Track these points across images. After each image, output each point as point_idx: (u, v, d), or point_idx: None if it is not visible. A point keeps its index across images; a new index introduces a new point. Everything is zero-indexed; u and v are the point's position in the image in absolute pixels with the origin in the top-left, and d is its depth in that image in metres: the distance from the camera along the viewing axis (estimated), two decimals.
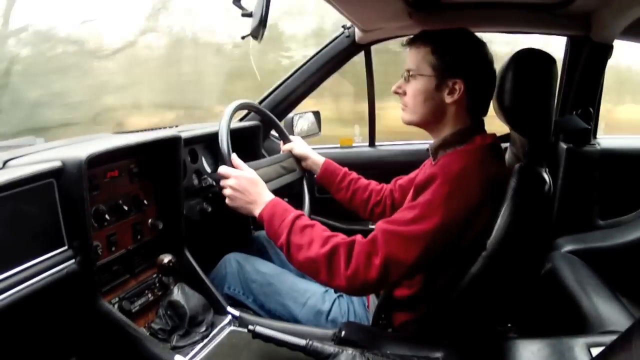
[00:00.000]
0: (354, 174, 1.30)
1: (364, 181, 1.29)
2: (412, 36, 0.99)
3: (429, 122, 0.98)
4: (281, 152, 1.33)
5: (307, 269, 0.90)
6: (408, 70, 0.97)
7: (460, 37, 0.96)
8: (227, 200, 1.01)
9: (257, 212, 0.97)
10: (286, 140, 1.34)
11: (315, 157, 1.30)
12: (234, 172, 1.01)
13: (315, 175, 1.30)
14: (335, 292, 1.16)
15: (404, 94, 0.98)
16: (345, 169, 1.30)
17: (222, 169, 1.02)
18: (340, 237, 0.90)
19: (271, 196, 0.99)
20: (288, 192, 1.57)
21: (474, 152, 0.91)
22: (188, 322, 1.03)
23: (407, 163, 1.30)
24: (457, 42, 0.95)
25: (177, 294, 1.04)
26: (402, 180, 1.25)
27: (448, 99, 0.94)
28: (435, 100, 0.95)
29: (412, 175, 1.23)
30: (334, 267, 0.86)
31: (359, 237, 0.89)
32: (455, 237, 0.87)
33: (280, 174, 1.22)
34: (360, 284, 0.85)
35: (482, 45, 0.96)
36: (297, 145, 1.31)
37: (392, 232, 0.86)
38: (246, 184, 0.99)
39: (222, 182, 1.02)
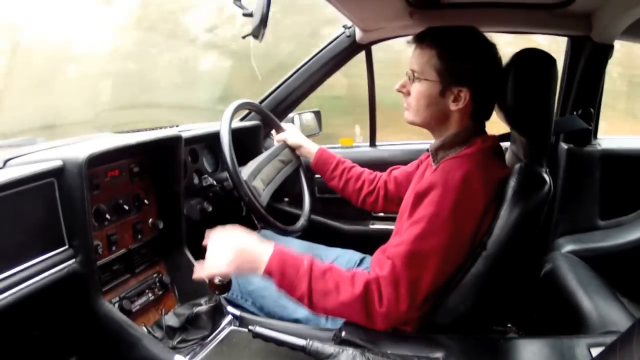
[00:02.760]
0: (348, 162, 1.31)
1: (357, 170, 1.30)
2: (417, 33, 0.95)
3: (431, 125, 0.97)
4: (275, 142, 1.34)
5: (340, 313, 0.87)
6: (412, 71, 0.94)
7: (468, 39, 0.92)
8: (226, 267, 0.85)
9: (262, 267, 0.85)
10: (279, 130, 1.34)
11: (309, 146, 1.31)
12: (222, 236, 0.89)
13: (310, 164, 1.31)
14: None
15: (408, 93, 0.96)
16: (339, 157, 1.31)
17: (211, 242, 0.88)
18: (364, 274, 0.86)
19: (270, 246, 0.88)
20: (288, 192, 1.57)
21: (475, 156, 0.90)
22: (192, 324, 1.03)
23: (407, 163, 1.29)
24: (464, 46, 0.91)
25: (206, 309, 1.03)
26: (398, 172, 1.25)
27: (453, 107, 0.92)
28: (439, 105, 0.93)
29: (409, 168, 1.22)
30: (370, 307, 0.84)
31: (376, 269, 0.87)
32: (468, 241, 0.87)
33: (279, 168, 1.23)
34: (395, 317, 0.85)
35: (490, 48, 0.92)
36: (291, 134, 1.32)
37: (407, 254, 0.84)
38: (240, 243, 0.87)
39: (211, 251, 0.87)
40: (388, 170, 1.29)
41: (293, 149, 1.32)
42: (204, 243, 0.89)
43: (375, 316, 0.84)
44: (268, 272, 0.86)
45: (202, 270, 0.87)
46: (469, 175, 0.85)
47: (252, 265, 0.87)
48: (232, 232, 0.89)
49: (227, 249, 0.86)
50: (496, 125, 1.02)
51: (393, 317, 0.85)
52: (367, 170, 1.30)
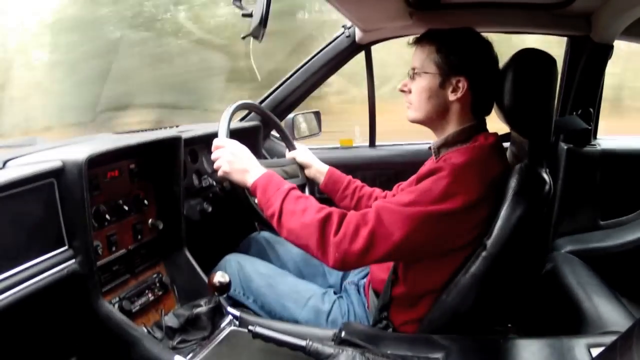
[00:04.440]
0: (358, 182, 1.29)
1: (368, 188, 1.28)
2: (418, 36, 1.00)
3: (432, 119, 0.99)
4: (285, 156, 1.32)
5: (299, 235, 0.90)
6: (413, 69, 0.98)
7: (466, 36, 0.97)
8: (222, 167, 1.00)
9: (251, 179, 0.98)
10: (291, 147, 1.33)
11: (319, 166, 1.28)
12: (230, 141, 1.03)
13: (320, 184, 1.29)
14: (335, 292, 1.16)
15: (409, 92, 1.00)
16: (350, 176, 1.29)
17: (217, 140, 1.04)
18: (335, 208, 0.91)
19: (266, 169, 1.00)
20: None
21: (477, 150, 0.92)
22: (192, 324, 1.03)
23: (407, 163, 1.30)
24: (462, 41, 0.96)
25: (206, 309, 1.03)
26: (404, 185, 1.25)
27: (452, 97, 0.95)
28: (439, 97, 0.96)
29: (413, 178, 1.22)
30: (325, 234, 0.87)
31: (352, 211, 0.90)
32: (447, 228, 0.87)
33: (281, 177, 1.22)
34: (343, 252, 0.85)
35: (487, 44, 0.97)
36: (301, 153, 1.30)
37: (386, 208, 0.87)
38: (242, 152, 1.01)
39: (217, 151, 1.02)
40: (395, 186, 1.28)
41: (302, 168, 1.30)
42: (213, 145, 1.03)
43: (327, 244, 0.86)
44: (254, 187, 0.97)
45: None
46: (466, 165, 0.88)
47: (243, 176, 0.99)
48: (238, 144, 1.03)
49: (229, 151, 1.01)
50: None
51: (342, 251, 0.85)
52: (377, 189, 1.29)
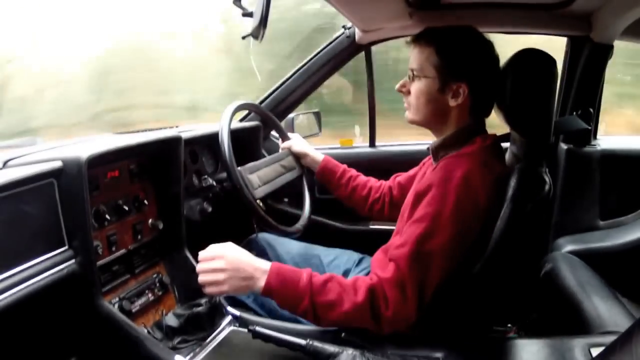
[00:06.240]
0: (353, 171, 1.30)
1: (363, 178, 1.29)
2: (416, 34, 0.97)
3: (431, 122, 0.98)
4: (280, 150, 1.33)
5: (346, 324, 0.85)
6: (412, 70, 0.96)
7: (466, 37, 0.94)
8: (220, 287, 0.84)
9: (260, 284, 0.83)
10: (285, 138, 1.34)
11: (314, 155, 1.30)
12: (215, 251, 0.86)
13: (315, 172, 1.30)
14: None
15: (408, 93, 0.98)
16: (345, 165, 1.30)
17: (204, 253, 0.87)
18: (366, 280, 0.84)
19: (267, 263, 0.86)
20: (288, 192, 1.57)
21: (476, 155, 0.90)
22: (192, 324, 1.03)
23: (407, 163, 1.29)
24: (462, 42, 0.93)
25: (206, 309, 1.03)
26: (402, 177, 1.25)
27: (452, 102, 0.93)
28: (439, 102, 0.94)
29: (411, 172, 1.22)
30: (377, 312, 0.82)
31: (378, 272, 0.85)
32: (472, 239, 0.87)
33: (279, 172, 1.22)
34: (403, 320, 0.83)
35: (487, 45, 0.94)
36: (296, 142, 1.31)
37: (410, 255, 0.83)
38: (239, 260, 0.85)
39: (203, 268, 0.85)
40: (392, 177, 1.28)
41: (298, 158, 1.31)
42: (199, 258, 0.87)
43: (382, 321, 0.82)
44: (266, 292, 0.83)
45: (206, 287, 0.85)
46: (469, 174, 0.86)
47: (248, 283, 0.84)
48: (232, 249, 0.87)
49: (221, 268, 0.84)
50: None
51: (401, 319, 0.83)
52: (372, 179, 1.29)
